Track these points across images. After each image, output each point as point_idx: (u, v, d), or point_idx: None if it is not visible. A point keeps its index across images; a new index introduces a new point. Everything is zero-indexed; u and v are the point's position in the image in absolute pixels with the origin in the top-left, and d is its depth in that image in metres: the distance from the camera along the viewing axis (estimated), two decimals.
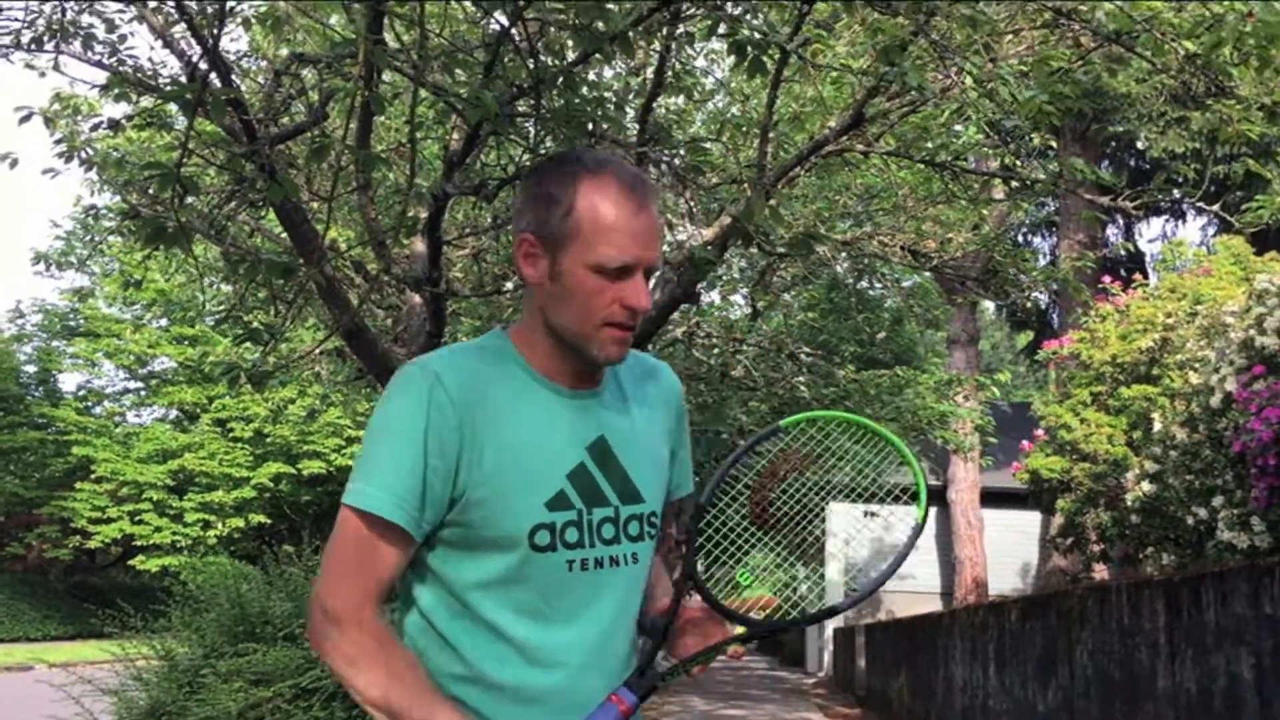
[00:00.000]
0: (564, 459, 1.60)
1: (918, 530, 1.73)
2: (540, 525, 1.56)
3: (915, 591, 22.61)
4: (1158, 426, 8.36)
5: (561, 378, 1.65)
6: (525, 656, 1.58)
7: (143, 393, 32.63)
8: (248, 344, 6.45)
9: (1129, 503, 8.78)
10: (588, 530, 1.59)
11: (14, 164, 5.52)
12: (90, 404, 32.08)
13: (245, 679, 4.70)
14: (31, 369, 32.09)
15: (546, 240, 1.60)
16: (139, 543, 29.00)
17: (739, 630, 1.69)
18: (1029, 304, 20.36)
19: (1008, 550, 21.79)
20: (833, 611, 1.70)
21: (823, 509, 1.83)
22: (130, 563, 30.50)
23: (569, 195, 1.58)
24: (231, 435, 29.29)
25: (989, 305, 28.52)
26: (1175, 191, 12.13)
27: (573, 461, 1.60)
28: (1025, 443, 11.92)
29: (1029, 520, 20.92)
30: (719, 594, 1.69)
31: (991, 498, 20.76)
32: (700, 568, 1.69)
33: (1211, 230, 23.24)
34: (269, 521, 29.53)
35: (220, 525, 28.90)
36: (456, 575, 1.58)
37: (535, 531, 1.56)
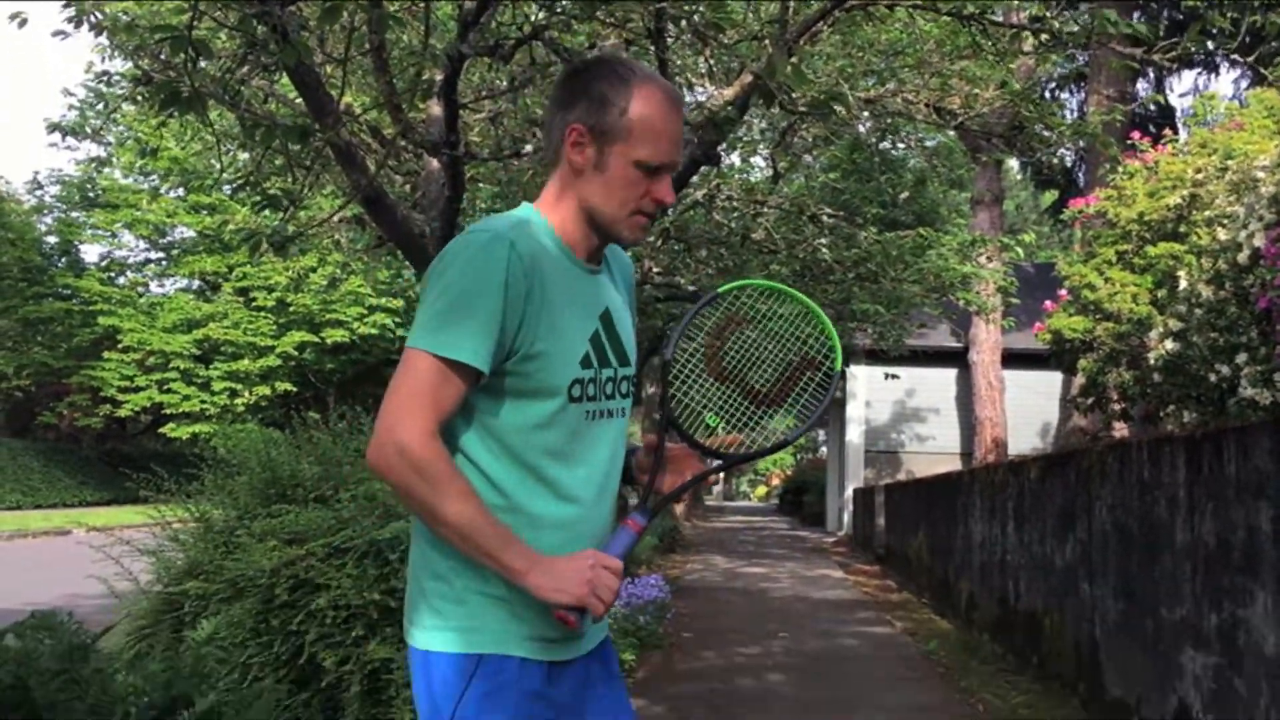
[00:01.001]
0: (586, 325, 1.87)
1: (836, 377, 2.06)
2: (575, 380, 1.82)
3: (935, 453, 22.85)
4: (1183, 284, 8.28)
5: (582, 254, 1.92)
6: (552, 491, 1.82)
7: (164, 263, 32.76)
8: (267, 211, 6.44)
9: (1151, 361, 8.76)
10: (598, 386, 1.87)
11: (23, 23, 5.42)
12: (113, 274, 32.25)
13: (279, 539, 4.80)
14: (53, 240, 32.18)
15: (597, 133, 1.85)
16: (168, 411, 29.48)
17: (715, 463, 2.02)
18: (1055, 161, 20.03)
19: (1028, 411, 21.91)
20: (784, 443, 2.04)
21: (764, 361, 2.12)
22: (160, 430, 31.07)
23: (623, 99, 1.84)
24: (254, 304, 29.47)
25: (1014, 164, 28.08)
26: (1209, 43, 11.77)
27: (591, 328, 1.88)
28: (1048, 303, 11.85)
29: (1050, 381, 20.97)
30: (695, 435, 2.02)
31: (1013, 359, 20.79)
32: (676, 414, 2.02)
33: (1244, 83, 22.64)
34: (295, 389, 29.91)
35: (247, 393, 29.30)
36: (501, 419, 1.80)
37: (572, 385, 1.82)
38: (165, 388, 29.28)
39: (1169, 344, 8.31)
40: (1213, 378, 7.51)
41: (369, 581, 4.54)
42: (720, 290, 2.11)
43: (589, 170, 1.86)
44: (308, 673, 4.50)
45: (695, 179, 9.36)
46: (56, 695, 2.22)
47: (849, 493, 23.07)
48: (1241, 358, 7.06)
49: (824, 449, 37.57)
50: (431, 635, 1.80)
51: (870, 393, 23.59)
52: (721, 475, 2.07)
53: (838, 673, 7.24)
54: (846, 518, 23.41)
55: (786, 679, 6.98)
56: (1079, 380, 11.46)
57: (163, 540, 5.26)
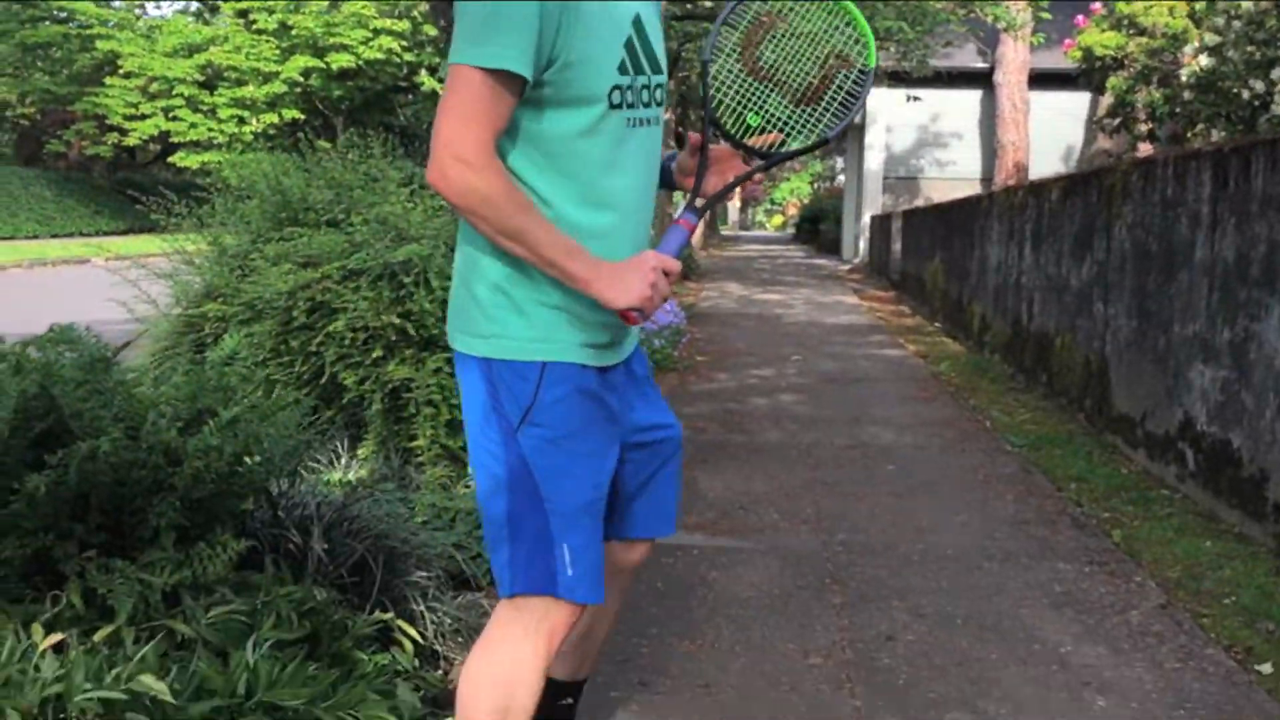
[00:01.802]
0: (621, 31, 1.82)
1: (870, 74, 2.04)
2: (615, 86, 1.80)
3: (955, 178, 22.54)
4: None
5: None
6: (595, 201, 1.83)
7: None
8: None
9: (1183, 79, 8.47)
10: (635, 93, 1.84)
11: None
12: None
13: (293, 262, 4.80)
14: None
15: None
16: (176, 139, 29.15)
17: (757, 162, 2.04)
18: None
19: (1052, 134, 21.43)
20: (822, 141, 2.06)
21: (799, 58, 2.08)
22: (170, 160, 30.83)
23: None
24: (255, 27, 28.55)
25: None
26: None
27: (625, 34, 1.82)
28: (1080, 18, 11.36)
29: (1077, 102, 20.42)
30: (737, 135, 2.04)
31: (1040, 80, 20.15)
32: (717, 114, 2.04)
33: None
34: (302, 117, 29.39)
35: (254, 121, 28.84)
36: (545, 130, 1.78)
37: (612, 91, 1.79)
38: (171, 115, 28.82)
39: (1203, 59, 8.01)
40: (1245, 94, 7.27)
41: (385, 304, 4.56)
42: None
43: None
44: (330, 391, 4.60)
45: None
46: (81, 404, 2.26)
47: (866, 220, 22.95)
48: (1277, 72, 6.80)
49: (841, 177, 37.12)
50: (491, 344, 1.83)
51: (891, 117, 23.04)
52: (759, 179, 2.09)
53: (849, 393, 7.40)
54: (863, 245, 23.39)
55: (799, 398, 7.14)
56: (1107, 100, 11.14)
57: (178, 265, 5.27)
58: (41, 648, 1.99)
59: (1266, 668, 3.01)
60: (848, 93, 2.05)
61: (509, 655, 1.89)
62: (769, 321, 11.88)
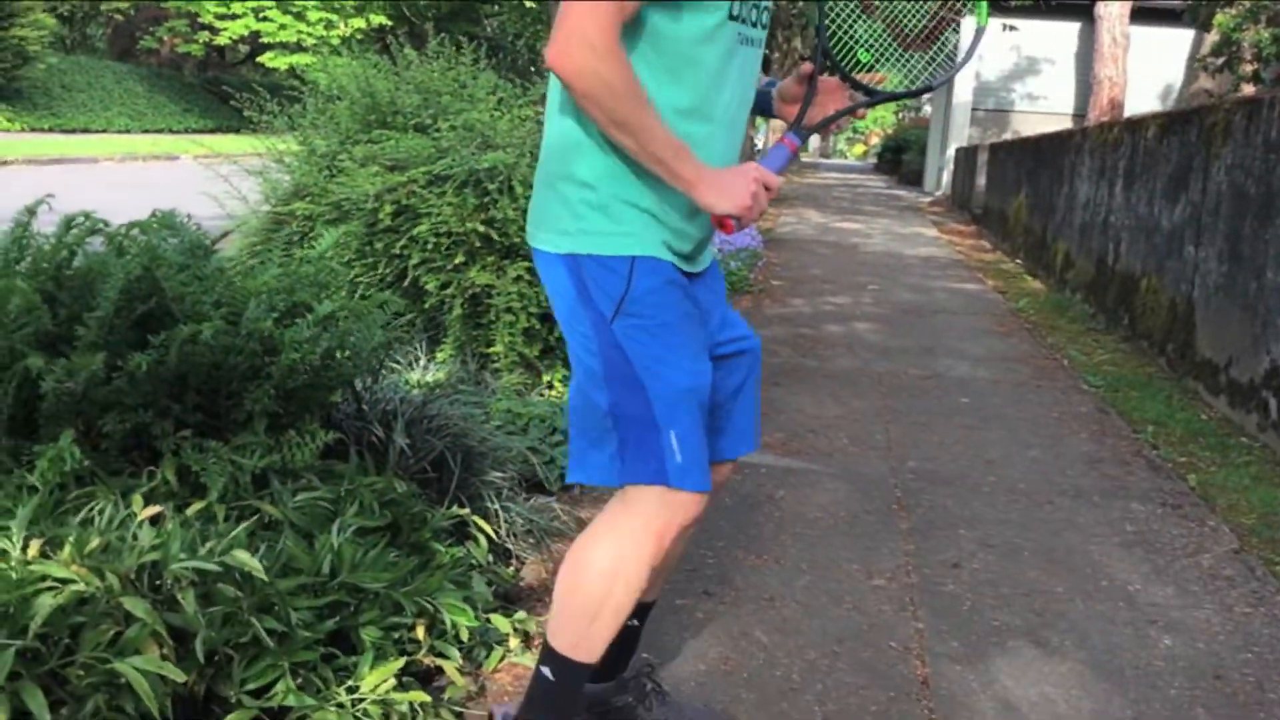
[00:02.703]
0: None
1: (981, 31, 2.05)
2: None
3: (1046, 113, 21.95)
4: None
5: None
6: (698, 110, 1.82)
7: None
8: None
9: None
10: (748, 10, 1.84)
11: None
12: None
13: (380, 165, 4.85)
14: None
15: None
16: (265, 40, 29.32)
17: (862, 98, 2.07)
18: None
19: (1151, 71, 20.75)
20: (928, 88, 2.12)
21: (915, 6, 2.16)
22: (258, 60, 31.06)
23: None
24: None
25: None
26: None
27: None
28: None
29: (1179, 39, 19.73)
30: (847, 69, 2.07)
31: (1142, 14, 19.46)
32: (830, 46, 2.06)
33: None
34: (389, 23, 29.37)
35: (342, 25, 28.91)
36: (666, 30, 1.76)
37: (733, 1, 1.79)
38: (261, 16, 28.97)
39: None
40: None
41: (469, 210, 4.60)
42: None
43: None
44: (411, 295, 4.67)
45: None
46: (183, 288, 2.33)
47: (951, 151, 22.46)
48: None
49: (928, 108, 36.30)
50: (576, 239, 1.82)
51: (983, 46, 22.39)
52: (861, 114, 2.09)
53: (924, 324, 7.33)
54: (946, 177, 22.94)
55: (874, 327, 7.10)
56: (1211, 38, 10.75)
57: (268, 163, 5.35)
58: (140, 517, 2.08)
59: None
60: (955, 45, 2.09)
61: (615, 549, 1.88)
62: (846, 250, 11.77)
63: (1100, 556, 3.35)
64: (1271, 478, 4.18)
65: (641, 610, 2.25)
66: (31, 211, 2.54)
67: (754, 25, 1.88)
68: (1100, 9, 19.23)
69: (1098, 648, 2.75)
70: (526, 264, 4.57)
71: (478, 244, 4.62)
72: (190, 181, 5.57)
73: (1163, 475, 4.19)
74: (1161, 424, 4.93)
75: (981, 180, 15.85)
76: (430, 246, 4.62)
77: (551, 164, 1.87)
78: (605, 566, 1.87)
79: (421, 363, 4.43)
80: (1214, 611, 3.00)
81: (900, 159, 31.98)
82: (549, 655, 1.93)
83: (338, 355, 2.62)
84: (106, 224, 2.51)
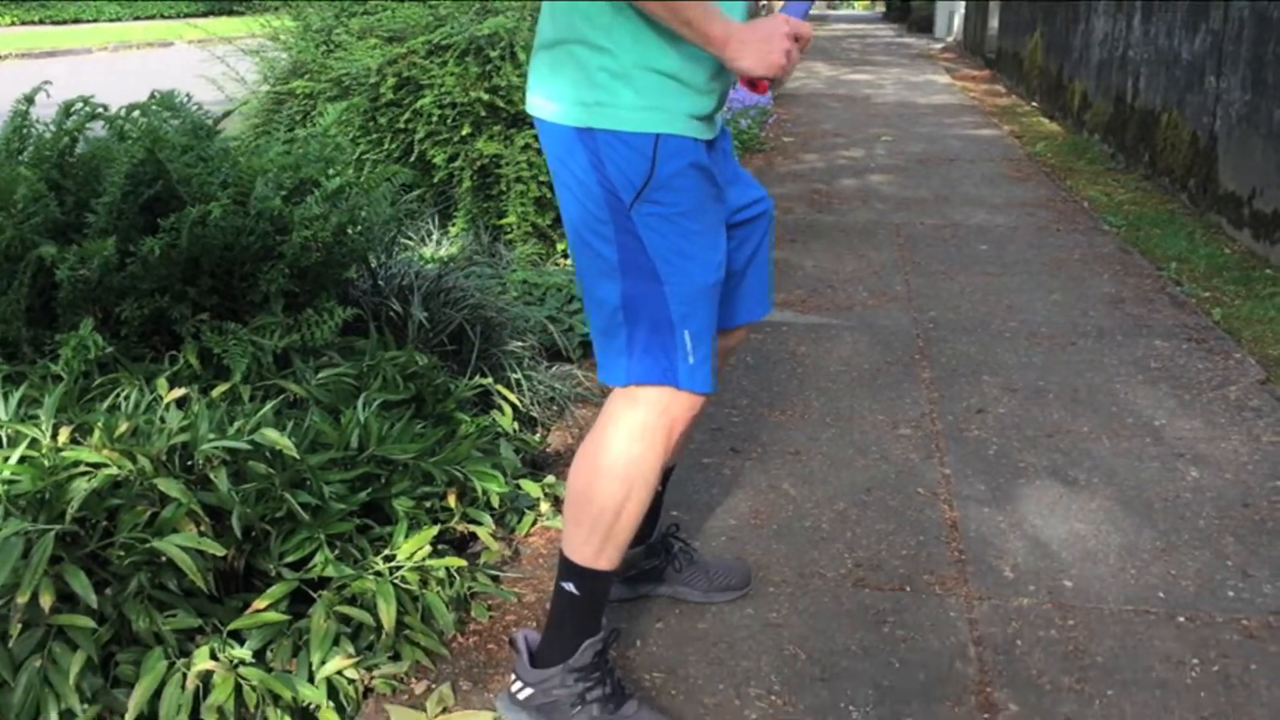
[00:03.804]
0: None
1: None
2: None
3: None
4: None
5: None
6: None
7: None
8: None
9: None
10: None
11: None
12: None
13: (379, 36, 4.75)
14: None
15: None
16: None
17: None
18: None
19: None
20: None
21: None
22: None
23: None
24: None
25: None
26: None
27: None
28: None
29: None
30: None
31: None
32: None
33: None
34: None
35: None
36: None
37: None
38: None
39: None
40: None
41: (471, 79, 4.51)
42: None
43: None
44: (419, 169, 4.61)
45: None
46: (188, 170, 2.30)
47: None
48: None
49: None
50: (594, 112, 1.67)
51: None
52: None
53: (940, 173, 7.22)
54: (957, 22, 22.33)
55: (889, 178, 7.00)
56: None
57: (264, 41, 5.24)
58: (166, 400, 2.09)
59: None
60: None
61: (625, 450, 1.77)
62: (858, 102, 11.53)
63: (1125, 394, 3.34)
64: None
65: (663, 476, 2.19)
66: (29, 100, 2.49)
67: None
68: None
69: (1125, 483, 2.76)
70: (534, 132, 4.49)
71: (483, 113, 4.54)
72: (188, 65, 5.48)
73: (1187, 311, 4.16)
74: (1184, 260, 4.87)
75: (994, 23, 15.41)
76: (435, 119, 4.54)
77: (558, 24, 1.69)
78: (619, 470, 1.77)
79: (434, 238, 4.40)
80: (1241, 442, 3.00)
81: (909, 6, 31.10)
82: (570, 570, 1.83)
83: (349, 231, 2.60)
84: (105, 108, 2.46)
